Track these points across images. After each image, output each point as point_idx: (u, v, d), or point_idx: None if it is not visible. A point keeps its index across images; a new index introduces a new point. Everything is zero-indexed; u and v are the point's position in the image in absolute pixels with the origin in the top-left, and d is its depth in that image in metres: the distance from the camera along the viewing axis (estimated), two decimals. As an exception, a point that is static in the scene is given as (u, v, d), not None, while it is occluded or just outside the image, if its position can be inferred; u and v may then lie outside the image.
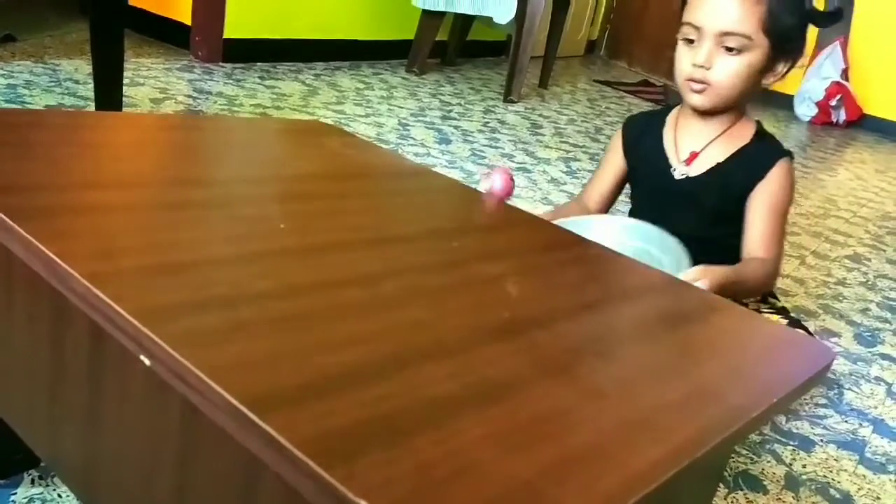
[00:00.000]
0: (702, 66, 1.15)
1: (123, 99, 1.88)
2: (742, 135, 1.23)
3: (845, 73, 4.58)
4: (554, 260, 0.75)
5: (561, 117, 3.30)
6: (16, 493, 0.81)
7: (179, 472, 0.47)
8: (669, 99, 4.23)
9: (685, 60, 1.18)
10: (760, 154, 1.22)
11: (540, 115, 3.25)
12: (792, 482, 1.13)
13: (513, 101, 3.34)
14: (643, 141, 1.30)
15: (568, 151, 2.77)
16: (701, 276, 0.97)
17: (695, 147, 1.24)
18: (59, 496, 0.82)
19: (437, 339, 0.52)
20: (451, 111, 2.95)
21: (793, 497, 1.10)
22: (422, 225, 0.77)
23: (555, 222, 1.14)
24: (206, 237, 0.59)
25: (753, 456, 1.18)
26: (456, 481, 0.38)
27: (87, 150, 0.74)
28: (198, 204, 0.66)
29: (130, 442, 0.50)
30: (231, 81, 2.69)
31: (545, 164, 2.54)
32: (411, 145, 2.40)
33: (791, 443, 1.24)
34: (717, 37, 1.14)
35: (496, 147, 2.59)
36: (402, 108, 2.84)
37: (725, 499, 1.07)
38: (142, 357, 0.44)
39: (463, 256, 0.69)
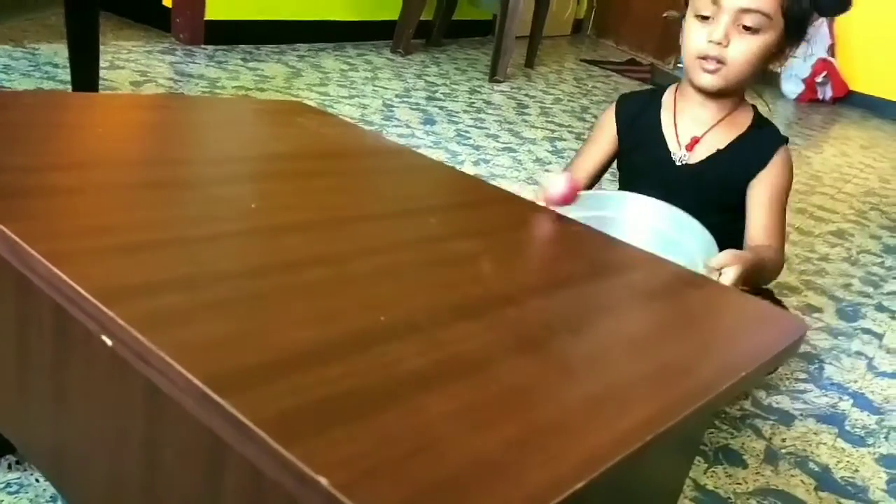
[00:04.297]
0: (718, 44, 1.11)
1: (104, 82, 1.87)
2: (741, 121, 1.21)
3: (831, 50, 4.58)
4: (529, 237, 0.75)
5: (547, 97, 3.29)
6: (-8, 478, 0.81)
7: (145, 453, 0.47)
8: (657, 78, 4.22)
9: (698, 37, 1.13)
10: (761, 142, 1.20)
11: (526, 95, 3.24)
12: (771, 456, 1.15)
13: (499, 81, 3.32)
14: (639, 123, 1.27)
15: (554, 131, 2.76)
16: (732, 261, 0.96)
17: (695, 132, 1.21)
18: (37, 480, 0.82)
19: (406, 317, 0.52)
20: (436, 92, 2.94)
21: (772, 471, 1.11)
22: (397, 204, 0.77)
23: (586, 194, 1.15)
24: (173, 218, 0.59)
25: (733, 431, 1.19)
26: (418, 457, 0.38)
27: (57, 131, 0.73)
28: (168, 184, 0.65)
29: (97, 424, 0.50)
30: (213, 64, 2.67)
31: (531, 144, 2.53)
32: (396, 126, 2.39)
33: (771, 417, 1.25)
34: (735, 13, 1.10)
35: (482, 128, 2.58)
36: (386, 88, 2.83)
37: (705, 473, 1.08)
38: (104, 337, 0.43)
39: (438, 234, 0.69)
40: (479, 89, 3.15)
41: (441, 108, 2.72)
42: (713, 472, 1.08)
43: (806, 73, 4.55)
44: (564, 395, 0.48)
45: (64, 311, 0.46)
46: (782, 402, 1.31)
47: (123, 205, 0.59)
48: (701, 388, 0.51)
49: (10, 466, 0.83)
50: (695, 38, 1.15)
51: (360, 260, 0.59)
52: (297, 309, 0.49)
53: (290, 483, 0.36)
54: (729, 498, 1.03)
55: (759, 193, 1.18)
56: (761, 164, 1.18)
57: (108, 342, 0.43)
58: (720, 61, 1.13)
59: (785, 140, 1.22)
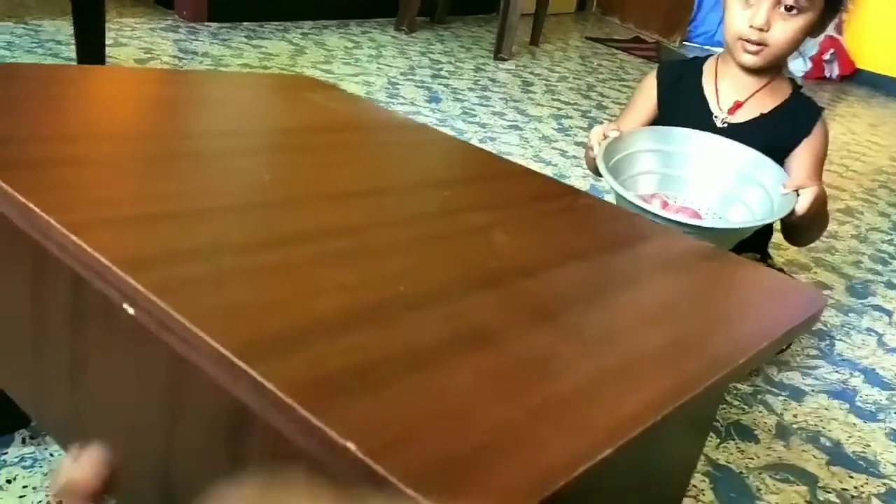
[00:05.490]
0: (759, 29, 1.13)
1: (108, 60, 1.85)
2: (782, 90, 1.23)
3: (839, 27, 4.53)
4: (544, 210, 0.74)
5: (552, 75, 3.26)
6: (7, 453, 0.81)
7: (166, 422, 0.47)
8: (662, 56, 4.19)
9: (739, 20, 1.15)
10: (804, 110, 1.22)
11: (531, 73, 3.21)
12: (783, 431, 1.15)
13: (503, 59, 3.30)
14: (680, 88, 1.28)
15: (559, 109, 2.74)
16: (809, 183, 1.02)
17: (737, 97, 1.23)
18: (52, 455, 0.82)
19: (425, 288, 0.51)
20: (441, 70, 2.92)
21: (784, 446, 1.11)
22: (411, 177, 0.76)
23: (648, 129, 1.20)
24: (189, 189, 0.58)
25: (745, 406, 1.19)
26: (443, 424, 0.38)
27: (68, 103, 0.72)
28: (181, 156, 0.65)
29: (116, 393, 0.50)
30: (217, 41, 2.65)
31: (536, 122, 2.51)
32: (401, 104, 2.38)
33: (782, 393, 1.25)
34: None
35: (487, 105, 2.57)
36: (391, 66, 2.81)
37: (717, 448, 1.08)
38: (125, 306, 0.43)
39: (453, 207, 0.68)
40: (484, 67, 3.13)
41: (446, 85, 2.70)
42: (725, 447, 1.08)
43: (813, 50, 4.50)
44: (582, 366, 0.47)
45: (83, 280, 0.46)
46: (794, 378, 1.31)
47: (139, 176, 0.59)
48: (720, 361, 0.51)
49: (24, 441, 0.83)
50: (736, 20, 1.16)
51: (377, 231, 0.59)
52: (319, 279, 0.49)
53: (317, 450, 0.36)
54: (741, 473, 1.04)
55: (802, 159, 1.20)
56: (804, 131, 1.20)
57: (130, 311, 0.43)
58: (762, 43, 1.14)
59: (822, 110, 1.24)
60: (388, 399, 0.39)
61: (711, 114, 1.24)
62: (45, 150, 0.58)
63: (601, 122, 1.38)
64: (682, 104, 1.27)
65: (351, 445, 0.34)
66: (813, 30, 1.17)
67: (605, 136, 1.12)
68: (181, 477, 0.49)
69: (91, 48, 1.63)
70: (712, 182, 1.16)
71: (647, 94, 1.31)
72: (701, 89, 1.26)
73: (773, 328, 0.59)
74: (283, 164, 0.69)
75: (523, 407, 0.41)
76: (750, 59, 1.17)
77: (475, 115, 2.42)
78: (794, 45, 1.16)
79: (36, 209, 0.47)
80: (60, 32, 2.28)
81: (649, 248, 0.72)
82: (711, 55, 1.31)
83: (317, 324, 0.43)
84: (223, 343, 0.39)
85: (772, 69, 1.22)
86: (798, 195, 1.05)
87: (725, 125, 1.23)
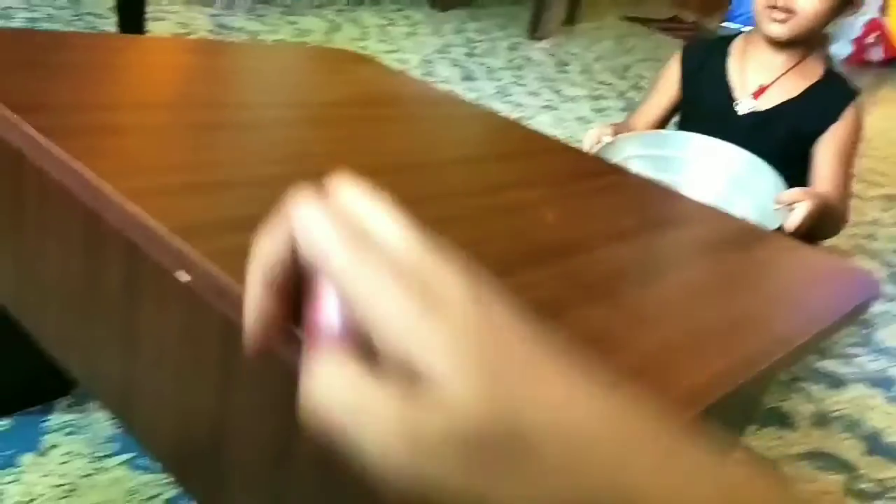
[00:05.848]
0: None
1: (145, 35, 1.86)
2: (813, 71, 1.17)
3: (883, 9, 4.42)
4: (591, 187, 0.73)
5: (588, 54, 3.22)
6: (49, 420, 0.82)
7: (220, 390, 0.47)
8: (701, 37, 4.12)
9: None
10: (834, 94, 1.16)
11: (567, 53, 3.18)
12: (821, 419, 1.13)
13: (539, 38, 3.26)
14: (704, 71, 1.23)
15: (595, 89, 2.71)
16: (804, 196, 0.95)
17: (763, 80, 1.18)
18: (92, 423, 0.83)
19: (478, 263, 0.51)
20: (475, 48, 2.89)
21: (821, 434, 1.10)
22: (457, 151, 0.75)
23: (645, 133, 1.16)
24: (239, 158, 0.58)
25: (783, 394, 1.18)
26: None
27: (116, 72, 0.73)
28: (230, 126, 0.64)
29: (169, 361, 0.50)
30: (253, 17, 2.65)
31: (572, 103, 2.49)
32: (436, 83, 2.36)
33: (821, 381, 1.23)
34: None
35: (522, 85, 2.54)
36: (425, 44, 2.79)
37: (755, 433, 1.06)
38: (178, 273, 0.43)
39: (499, 182, 0.67)
40: (519, 46, 3.10)
41: (481, 64, 2.68)
42: (762, 434, 1.07)
43: (855, 33, 4.40)
44: (641, 342, 0.47)
45: (135, 246, 0.46)
46: (832, 366, 1.28)
47: (190, 145, 0.59)
48: (781, 341, 0.50)
49: (67, 407, 0.84)
50: None
51: (425, 205, 0.58)
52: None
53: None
54: (778, 459, 1.02)
55: (828, 147, 1.14)
56: (833, 116, 1.14)
57: (185, 278, 0.43)
58: (789, 10, 1.10)
59: (858, 93, 1.18)
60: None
61: (733, 101, 1.19)
62: (97, 117, 0.58)
63: (636, 104, 1.35)
64: (704, 90, 1.23)
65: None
66: (843, 7, 1.12)
67: (599, 141, 1.10)
68: (235, 444, 0.49)
69: (131, 21, 1.63)
70: (706, 188, 1.11)
71: (670, 79, 1.27)
72: (725, 73, 1.21)
73: (832, 310, 0.58)
74: (331, 137, 0.69)
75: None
76: (777, 29, 1.12)
77: (510, 95, 2.40)
78: (823, 19, 1.11)
79: (90, 176, 0.47)
80: (99, 6, 2.29)
81: (701, 228, 0.71)
82: (741, 33, 1.25)
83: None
84: (280, 312, 0.39)
85: (802, 46, 1.16)
86: (792, 210, 0.97)
87: (749, 111, 1.18)
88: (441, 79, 2.41)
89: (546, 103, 2.42)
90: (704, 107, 1.23)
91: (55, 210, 0.57)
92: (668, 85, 1.27)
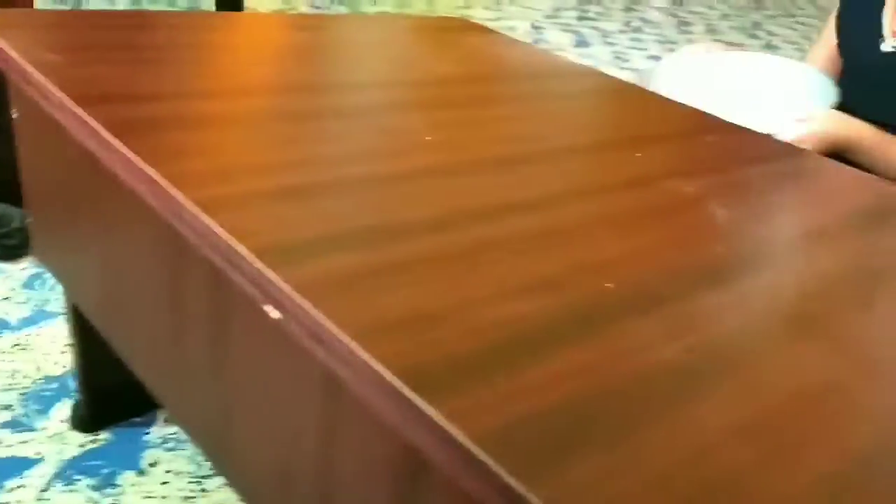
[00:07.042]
0: None
1: (245, 10, 1.81)
2: None
3: None
4: (761, 174, 0.60)
5: (712, 12, 2.97)
6: (149, 433, 0.76)
7: (321, 448, 0.38)
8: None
9: None
10: None
11: (689, 11, 2.94)
12: None
13: (657, -3, 3.05)
14: (855, 10, 1.12)
15: (721, 51, 2.49)
16: (814, 125, 0.83)
17: None
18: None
19: (639, 283, 0.39)
20: (588, 11, 2.72)
21: None
22: (593, 134, 0.64)
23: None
24: (340, 153, 0.48)
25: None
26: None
27: (201, 54, 0.65)
28: (328, 113, 0.55)
29: (263, 407, 0.42)
30: (355, -12, 2.58)
31: (696, 66, 2.29)
32: (547, 50, 2.22)
33: None
34: None
35: (641, 49, 2.36)
36: (534, 9, 2.64)
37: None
38: (267, 308, 0.34)
39: (650, 171, 0.55)
40: (635, 6, 2.90)
41: (594, 28, 2.51)
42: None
43: None
44: (879, 404, 0.34)
45: (220, 271, 0.37)
46: None
47: (282, 138, 0.50)
48: None
49: (166, 419, 0.79)
50: None
51: (565, 205, 0.47)
52: (501, 272, 0.38)
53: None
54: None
55: None
56: None
57: (276, 315, 0.34)
58: None
59: None
60: (618, 460, 0.27)
61: (879, 38, 1.05)
62: (175, 107, 0.50)
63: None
64: (854, 27, 1.11)
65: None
66: None
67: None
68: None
69: (232, -2, 1.58)
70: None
71: (831, 21, 1.16)
72: (878, 8, 1.07)
73: None
74: (445, 121, 0.58)
75: (806, 477, 0.29)
76: None
77: (628, 60, 2.23)
78: None
79: (164, 182, 0.39)
80: (204, -16, 2.27)
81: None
82: None
83: (507, 340, 0.32)
84: (390, 366, 0.29)
85: None
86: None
87: (891, 51, 1.03)
88: (552, 45, 2.26)
89: (667, 68, 2.23)
90: (850, 47, 1.11)
91: (132, 217, 0.49)
92: (828, 29, 1.15)
